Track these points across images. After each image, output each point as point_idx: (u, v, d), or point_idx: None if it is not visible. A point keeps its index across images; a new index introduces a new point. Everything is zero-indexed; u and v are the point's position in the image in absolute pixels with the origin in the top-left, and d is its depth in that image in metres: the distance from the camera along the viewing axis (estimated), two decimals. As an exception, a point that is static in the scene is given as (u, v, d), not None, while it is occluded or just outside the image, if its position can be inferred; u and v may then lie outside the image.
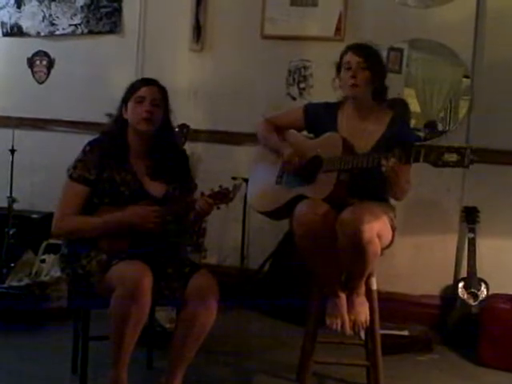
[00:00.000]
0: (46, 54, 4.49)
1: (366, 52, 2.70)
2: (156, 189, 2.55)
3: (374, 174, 2.48)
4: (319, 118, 2.79)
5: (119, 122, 2.56)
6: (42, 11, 4.46)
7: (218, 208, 2.47)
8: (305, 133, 2.90)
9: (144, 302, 2.27)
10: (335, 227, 2.49)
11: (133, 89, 2.55)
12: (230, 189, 2.44)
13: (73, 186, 2.49)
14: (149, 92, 2.52)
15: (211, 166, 4.01)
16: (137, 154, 2.56)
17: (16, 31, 4.54)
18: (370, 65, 2.67)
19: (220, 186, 2.46)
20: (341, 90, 2.76)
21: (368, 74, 2.67)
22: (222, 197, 2.44)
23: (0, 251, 3.80)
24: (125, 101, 2.56)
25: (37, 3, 4.47)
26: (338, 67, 2.76)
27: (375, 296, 2.66)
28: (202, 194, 2.46)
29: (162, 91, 2.57)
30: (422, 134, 3.73)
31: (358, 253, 2.44)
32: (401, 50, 3.78)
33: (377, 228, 2.44)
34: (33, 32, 4.49)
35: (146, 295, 2.27)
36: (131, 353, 2.35)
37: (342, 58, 2.75)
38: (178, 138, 2.74)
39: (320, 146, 2.71)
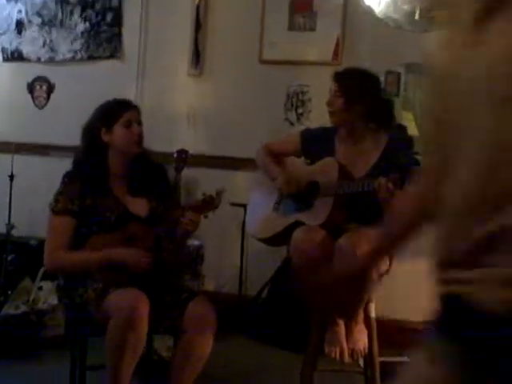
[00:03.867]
0: (46, 80, 4.51)
1: (343, 78, 2.67)
2: (140, 208, 2.54)
3: (371, 198, 2.47)
4: (316, 143, 2.78)
5: (97, 146, 2.53)
6: (43, 37, 4.49)
7: (206, 217, 2.45)
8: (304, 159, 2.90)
9: (141, 330, 2.25)
10: (333, 253, 2.48)
11: (115, 113, 2.52)
12: (214, 196, 2.44)
13: (58, 220, 2.46)
14: (133, 114, 2.54)
15: (209, 191, 3.98)
16: (116, 177, 2.54)
17: (16, 56, 4.57)
18: (344, 91, 2.63)
19: (203, 194, 2.45)
20: None
21: (342, 101, 2.63)
22: (207, 205, 2.44)
23: (-2, 278, 3.80)
24: (105, 125, 2.52)
25: (37, 29, 4.50)
26: None
27: (374, 323, 2.64)
28: (184, 207, 2.45)
29: (139, 110, 2.60)
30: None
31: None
32: (398, 74, 3.79)
33: (373, 255, 2.43)
34: (33, 57, 4.52)
35: (143, 322, 2.25)
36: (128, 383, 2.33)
37: None
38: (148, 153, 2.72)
39: (317, 171, 2.71)
